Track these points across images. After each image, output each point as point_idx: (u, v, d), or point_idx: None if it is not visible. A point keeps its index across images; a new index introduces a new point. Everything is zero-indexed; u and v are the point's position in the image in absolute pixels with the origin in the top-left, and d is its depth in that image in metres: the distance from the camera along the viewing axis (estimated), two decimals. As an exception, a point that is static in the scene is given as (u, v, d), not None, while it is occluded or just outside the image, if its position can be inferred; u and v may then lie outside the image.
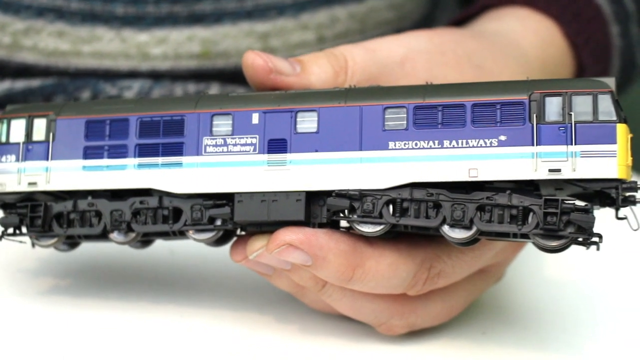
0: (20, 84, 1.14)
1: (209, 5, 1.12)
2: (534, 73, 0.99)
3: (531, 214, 0.76)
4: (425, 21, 1.28)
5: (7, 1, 1.10)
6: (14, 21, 1.11)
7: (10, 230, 0.86)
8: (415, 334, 0.85)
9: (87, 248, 0.93)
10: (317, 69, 0.84)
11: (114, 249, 0.95)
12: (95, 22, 1.11)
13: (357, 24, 1.18)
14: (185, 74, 1.13)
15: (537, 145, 0.76)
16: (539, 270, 0.98)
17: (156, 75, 1.13)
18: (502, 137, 0.77)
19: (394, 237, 0.81)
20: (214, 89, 1.13)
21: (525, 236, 0.77)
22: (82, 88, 1.13)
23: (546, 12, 1.10)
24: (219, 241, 0.84)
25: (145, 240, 0.88)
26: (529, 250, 0.90)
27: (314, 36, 1.15)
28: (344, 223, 0.81)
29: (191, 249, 0.96)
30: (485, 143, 0.77)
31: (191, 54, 1.12)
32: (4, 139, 0.86)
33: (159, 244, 0.90)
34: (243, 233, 0.84)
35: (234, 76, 1.14)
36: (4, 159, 0.86)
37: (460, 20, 1.14)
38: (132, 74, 1.12)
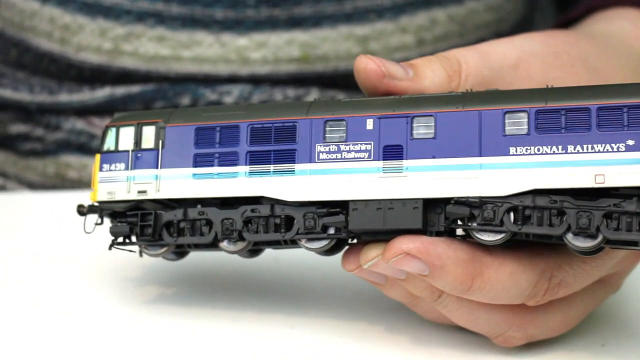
0: (120, 90, 1.13)
1: (308, 8, 1.10)
2: (646, 75, 0.96)
3: (661, 222, 0.73)
4: (524, 23, 1.26)
5: (108, 6, 1.10)
6: (115, 26, 1.11)
7: (120, 240, 0.85)
8: (532, 345, 0.83)
9: (190, 256, 0.91)
10: (430, 73, 0.82)
11: (217, 257, 0.94)
12: (195, 27, 1.10)
13: (456, 26, 1.16)
14: (284, 78, 1.12)
15: None
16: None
17: (256, 80, 1.12)
18: (630, 142, 0.74)
19: (512, 245, 0.78)
20: (314, 93, 1.12)
21: (654, 244, 0.74)
22: (182, 94, 1.12)
23: None
24: (330, 250, 0.82)
25: (255, 249, 0.86)
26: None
27: (413, 39, 1.13)
28: (459, 231, 0.79)
29: (295, 258, 0.94)
30: (612, 148, 0.74)
31: (291, 58, 1.10)
32: (112, 147, 0.85)
33: (264, 252, 0.89)
34: (354, 241, 0.82)
35: (333, 80, 1.12)
36: (113, 167, 0.85)
37: (565, 23, 1.11)
38: (232, 79, 1.11)
